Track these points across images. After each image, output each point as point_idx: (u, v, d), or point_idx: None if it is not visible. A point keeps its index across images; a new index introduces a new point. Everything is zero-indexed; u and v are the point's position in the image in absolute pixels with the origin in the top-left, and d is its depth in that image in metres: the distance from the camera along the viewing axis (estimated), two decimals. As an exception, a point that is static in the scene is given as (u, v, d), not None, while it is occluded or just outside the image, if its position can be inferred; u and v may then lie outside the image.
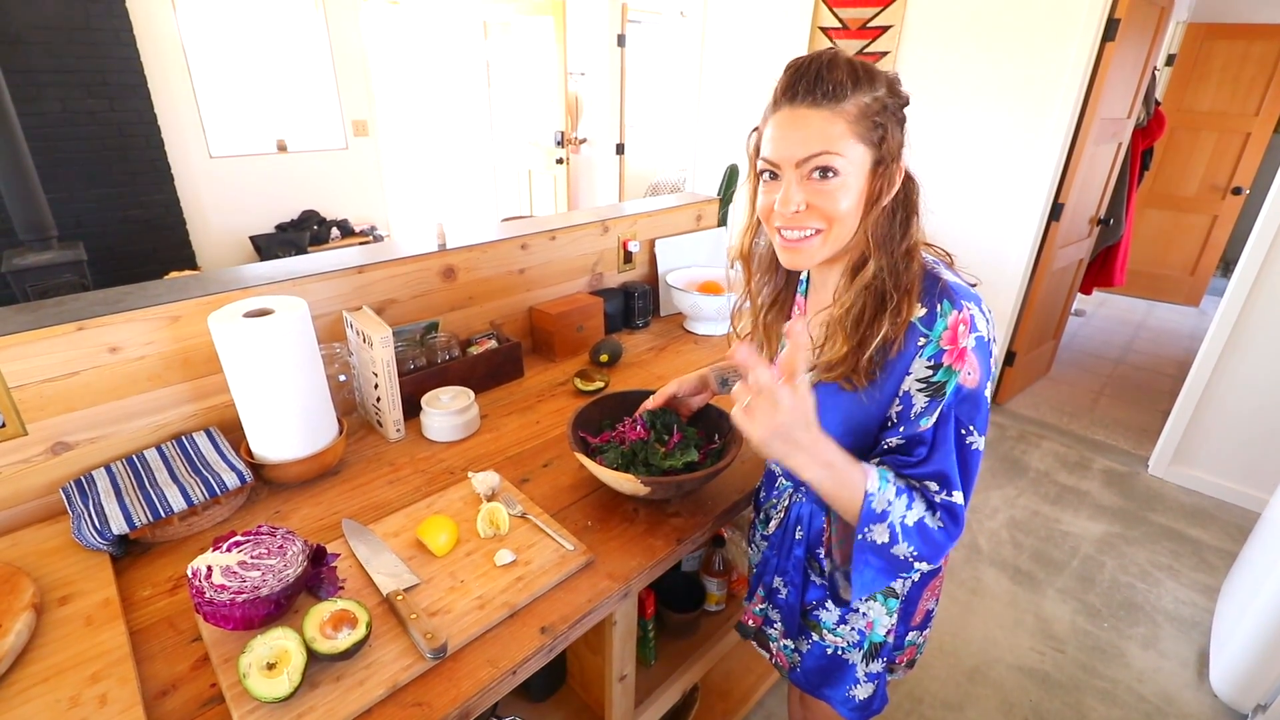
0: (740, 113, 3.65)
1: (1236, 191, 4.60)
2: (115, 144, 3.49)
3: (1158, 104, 3.42)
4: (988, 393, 0.74)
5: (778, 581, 1.00)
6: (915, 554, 0.73)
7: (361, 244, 4.47)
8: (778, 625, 1.03)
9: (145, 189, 3.64)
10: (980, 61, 2.76)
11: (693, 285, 1.77)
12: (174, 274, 3.35)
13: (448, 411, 1.18)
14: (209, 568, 0.74)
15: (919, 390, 0.74)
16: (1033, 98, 2.68)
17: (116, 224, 3.58)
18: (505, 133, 5.07)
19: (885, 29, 3.03)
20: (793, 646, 1.01)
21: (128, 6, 3.37)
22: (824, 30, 3.21)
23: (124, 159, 3.53)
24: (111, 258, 3.57)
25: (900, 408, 0.76)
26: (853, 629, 0.94)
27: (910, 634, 0.98)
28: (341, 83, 4.27)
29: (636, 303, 1.72)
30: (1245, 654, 1.66)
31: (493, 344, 1.43)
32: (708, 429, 1.12)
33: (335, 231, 4.36)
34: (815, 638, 0.97)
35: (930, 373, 0.73)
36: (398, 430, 1.20)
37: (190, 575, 0.73)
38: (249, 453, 1.04)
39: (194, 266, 3.82)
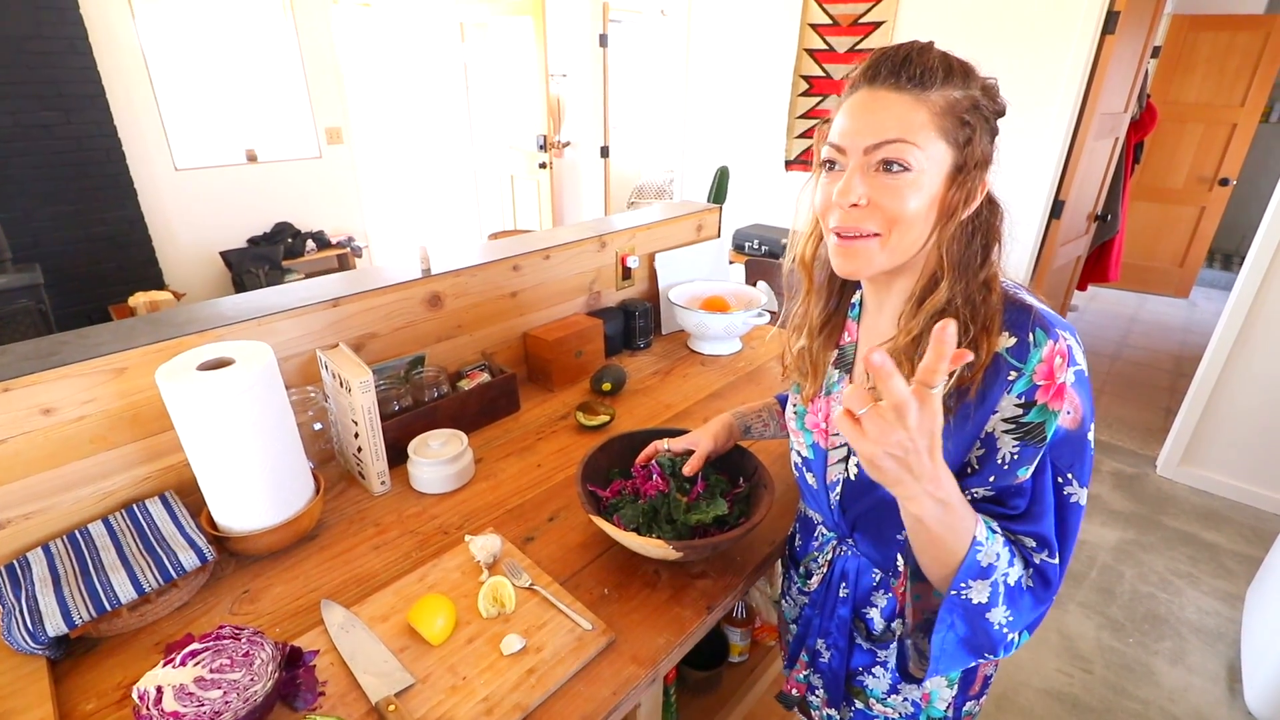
0: (729, 113, 3.55)
1: (1224, 183, 4.59)
2: (73, 158, 3.29)
3: (1148, 97, 3.38)
4: (1090, 436, 0.63)
5: (820, 644, 0.89)
6: (1009, 622, 0.63)
7: (339, 255, 4.31)
8: (819, 692, 0.92)
9: (107, 205, 3.44)
10: (978, 58, 2.67)
11: (696, 301, 1.66)
12: (140, 295, 3.18)
13: (438, 461, 1.05)
14: (159, 690, 0.61)
15: (1006, 432, 0.63)
16: (1033, 94, 2.60)
17: (77, 243, 3.38)
18: (485, 137, 4.92)
19: (878, 25, 2.94)
20: (837, 716, 0.90)
21: (82, 13, 3.17)
22: (814, 27, 3.11)
23: (83, 174, 3.33)
24: (72, 279, 3.38)
25: (983, 451, 0.65)
26: (905, 700, 0.83)
27: (968, 704, 0.87)
28: (313, 88, 4.09)
29: (637, 322, 1.61)
30: (1284, 673, 1.59)
31: (485, 376, 1.31)
32: (730, 471, 1.01)
33: (311, 244, 4.19)
34: (860, 706, 0.87)
35: (1021, 412, 0.62)
36: (382, 483, 1.07)
37: (137, 700, 0.60)
38: (211, 522, 0.91)
39: (161, 286, 3.64)
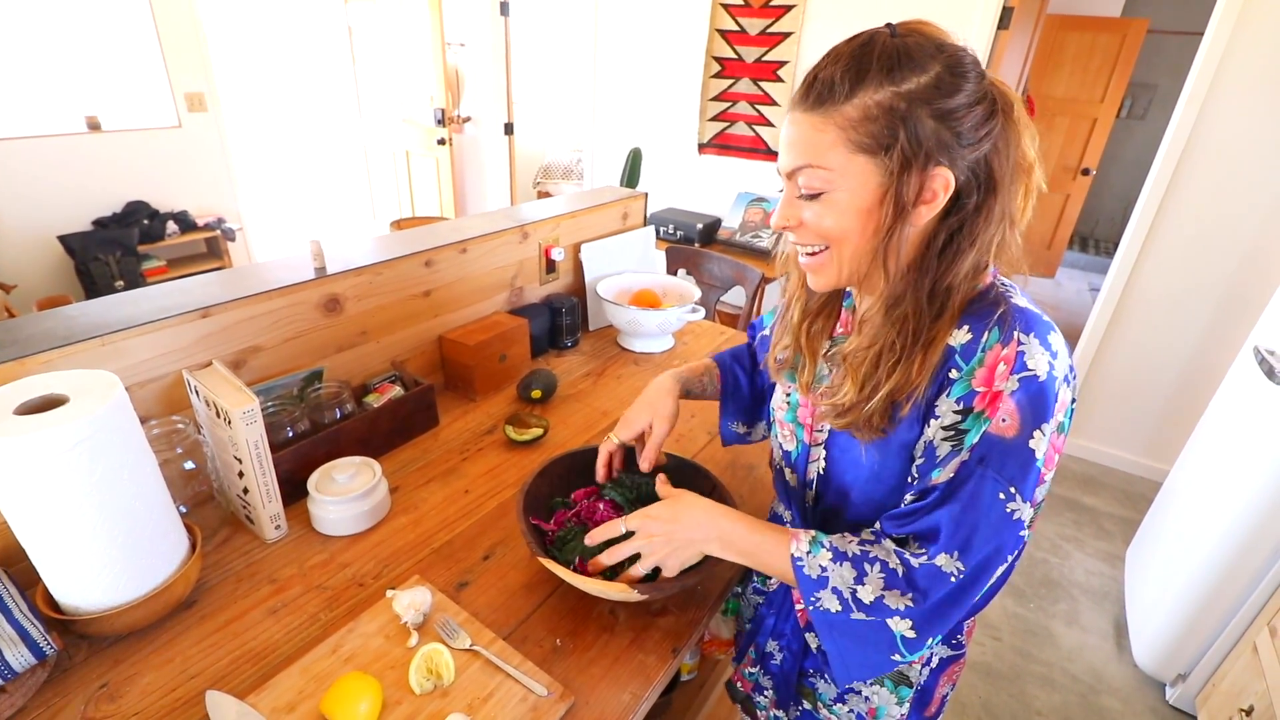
0: (640, 93, 3.44)
1: (1086, 172, 5.04)
2: None
3: (1027, 92, 3.61)
4: (1038, 445, 0.56)
5: (772, 645, 0.87)
6: (877, 623, 0.62)
7: (208, 238, 3.82)
8: (768, 693, 0.90)
9: (-102, 180, 2.84)
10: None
11: (626, 296, 1.56)
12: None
13: (346, 498, 0.90)
14: None
15: (945, 439, 0.59)
16: (936, 84, 2.68)
17: None
18: (376, 110, 4.52)
19: (789, 8, 2.92)
20: (784, 717, 0.88)
21: None
22: (725, 7, 3.05)
23: None
24: None
25: (923, 460, 0.62)
26: (851, 711, 0.82)
27: (923, 725, 0.85)
28: (168, 48, 3.55)
29: (564, 319, 1.48)
30: (1166, 630, 1.74)
31: (397, 389, 1.14)
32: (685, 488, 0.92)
33: (172, 226, 3.67)
34: (808, 707, 0.85)
35: (959, 419, 0.58)
36: (277, 527, 0.90)
37: None
38: (51, 602, 0.72)
39: (-19, 276, 3.06)
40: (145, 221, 3.56)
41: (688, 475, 0.92)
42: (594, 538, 0.77)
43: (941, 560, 0.59)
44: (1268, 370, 1.54)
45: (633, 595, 0.73)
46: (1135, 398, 2.67)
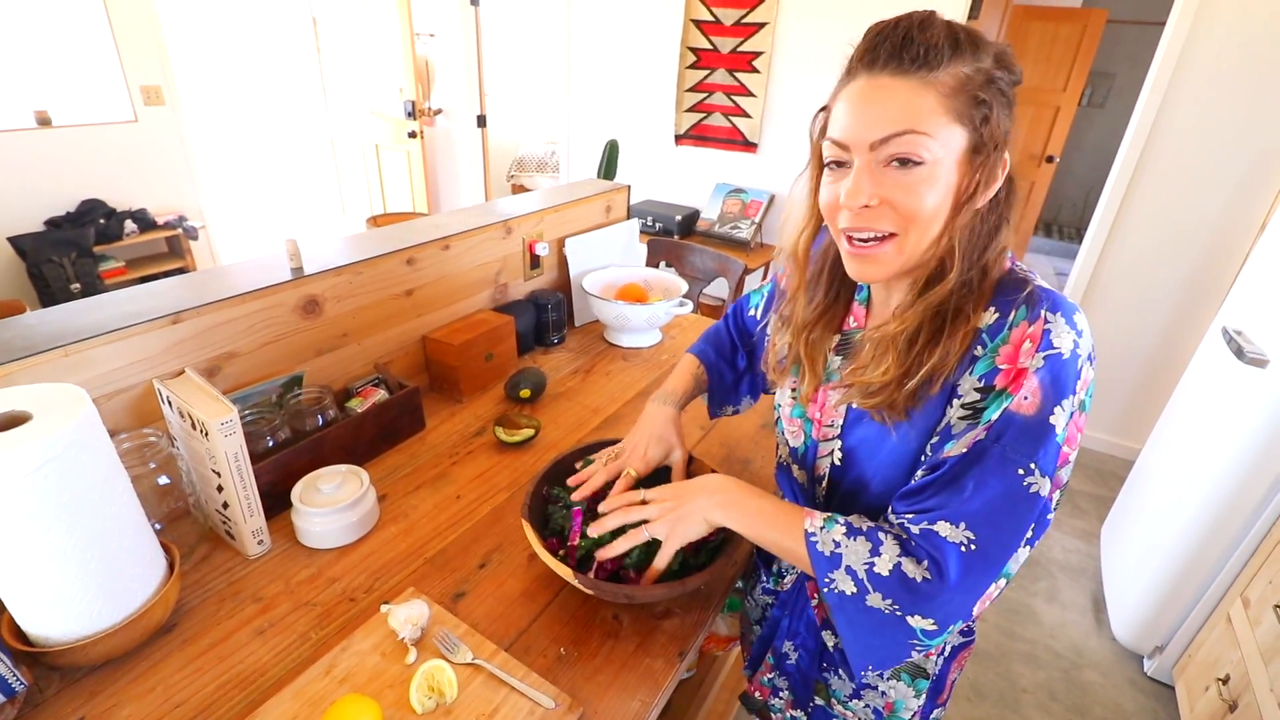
0: (615, 84, 3.39)
1: (1050, 159, 5.14)
2: None
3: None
4: (1058, 420, 0.56)
5: (788, 646, 0.85)
6: (901, 607, 0.58)
7: (169, 237, 3.68)
8: (784, 694, 0.88)
9: None
10: (857, 31, 2.72)
11: (611, 290, 1.53)
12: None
13: (333, 508, 0.86)
14: None
15: (962, 418, 0.59)
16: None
17: None
18: (344, 103, 4.39)
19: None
20: (802, 717, 0.87)
21: None
22: (700, -3, 3.02)
23: None
24: None
25: (938, 439, 0.61)
26: (868, 706, 0.81)
27: (935, 711, 0.85)
28: (122, 39, 3.39)
29: (550, 316, 1.45)
30: (1143, 604, 1.79)
31: (381, 393, 1.10)
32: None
33: (131, 225, 3.52)
34: (821, 703, 0.84)
35: (979, 397, 0.58)
36: (260, 543, 0.86)
37: None
38: (18, 634, 0.67)
39: (-77, 281, 2.90)
40: (101, 221, 3.41)
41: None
42: (609, 504, 0.77)
43: (946, 529, 0.57)
44: (1236, 350, 1.58)
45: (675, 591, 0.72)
46: (1106, 379, 2.74)
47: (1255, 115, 2.18)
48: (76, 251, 3.22)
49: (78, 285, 3.20)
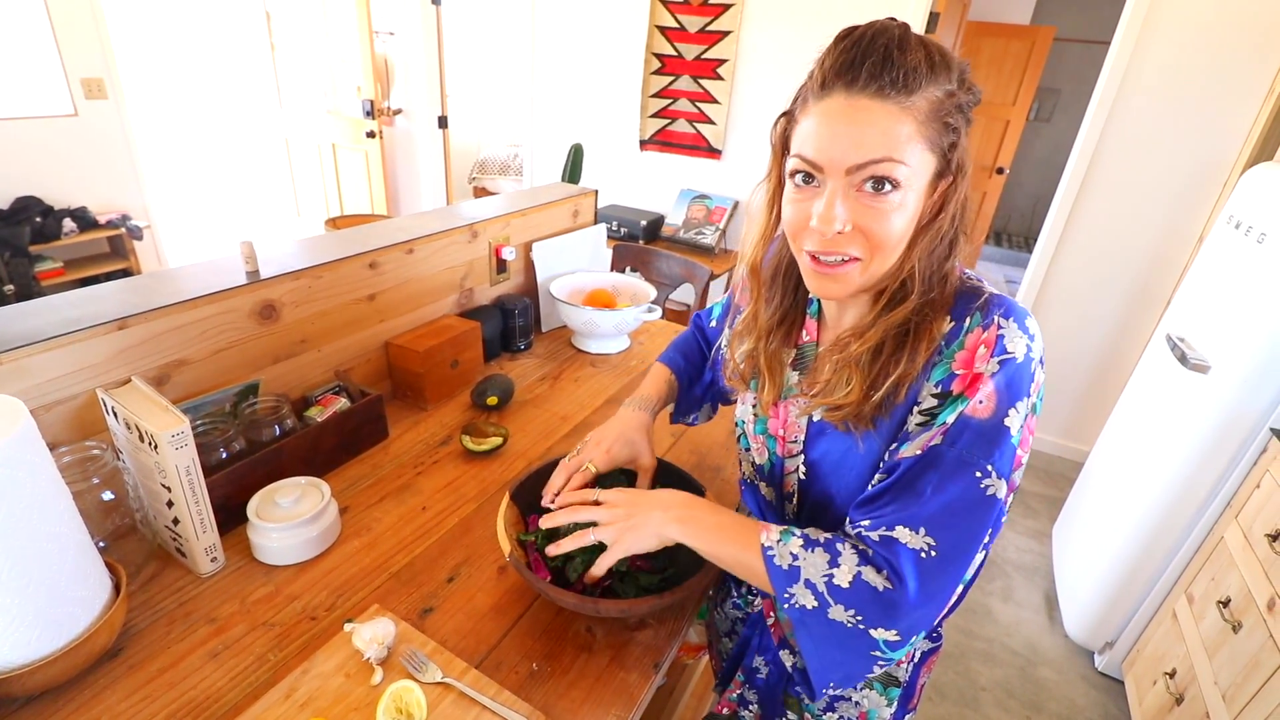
0: (580, 88, 3.38)
1: (1000, 171, 5.33)
2: None
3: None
4: (1012, 422, 0.57)
5: (758, 661, 0.85)
6: (863, 620, 0.58)
7: (110, 237, 3.51)
8: (753, 707, 0.87)
9: None
10: (822, 41, 2.77)
11: (579, 295, 1.52)
12: None
13: (292, 523, 0.82)
14: None
15: (919, 424, 0.60)
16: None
17: None
18: (298, 101, 4.26)
19: (727, 7, 2.93)
20: None
21: None
22: (664, 3, 3.03)
23: None
24: None
25: (895, 445, 0.62)
26: (841, 717, 0.81)
27: (906, 716, 0.86)
28: (61, 28, 3.22)
29: (517, 321, 1.43)
30: (1093, 602, 1.86)
31: (342, 401, 1.07)
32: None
33: (70, 224, 3.34)
34: (794, 717, 0.83)
35: (936, 404, 0.59)
36: (213, 560, 0.81)
37: None
38: (-59, 663, 0.62)
39: None
40: (38, 219, 3.23)
41: (672, 483, 0.90)
42: (562, 499, 0.76)
43: (905, 535, 0.56)
44: (1180, 356, 1.66)
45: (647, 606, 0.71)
46: (1056, 383, 2.84)
47: (1195, 131, 2.29)
48: (10, 251, 3.05)
49: (11, 287, 3.03)
